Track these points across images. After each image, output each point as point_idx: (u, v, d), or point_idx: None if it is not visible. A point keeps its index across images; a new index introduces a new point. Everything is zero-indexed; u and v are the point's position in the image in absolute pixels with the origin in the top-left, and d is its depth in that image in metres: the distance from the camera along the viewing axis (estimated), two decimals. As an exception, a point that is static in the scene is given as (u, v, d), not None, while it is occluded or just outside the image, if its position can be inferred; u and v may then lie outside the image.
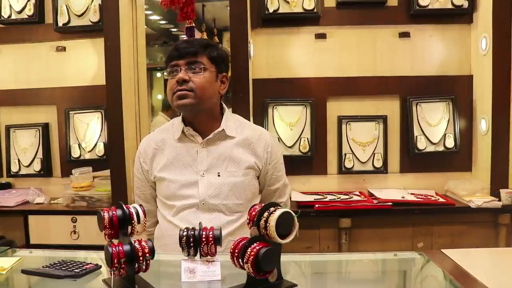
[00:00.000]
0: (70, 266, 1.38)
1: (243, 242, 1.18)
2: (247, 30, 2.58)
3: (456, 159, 2.79)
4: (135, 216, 1.26)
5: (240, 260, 1.17)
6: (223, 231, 1.61)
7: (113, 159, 2.65)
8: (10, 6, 2.90)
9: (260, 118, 2.76)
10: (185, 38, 1.62)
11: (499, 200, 2.48)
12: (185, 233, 1.33)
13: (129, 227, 1.25)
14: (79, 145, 2.91)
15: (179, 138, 1.71)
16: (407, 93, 2.78)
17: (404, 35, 2.76)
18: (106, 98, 2.65)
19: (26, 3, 2.88)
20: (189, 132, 1.69)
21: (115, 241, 1.22)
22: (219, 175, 1.66)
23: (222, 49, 1.73)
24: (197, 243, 1.32)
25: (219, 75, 1.70)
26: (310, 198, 2.63)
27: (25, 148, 2.98)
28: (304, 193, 2.74)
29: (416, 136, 2.76)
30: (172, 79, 1.65)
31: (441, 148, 2.76)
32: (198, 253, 1.34)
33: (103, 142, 2.88)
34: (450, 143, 2.75)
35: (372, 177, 2.81)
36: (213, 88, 1.67)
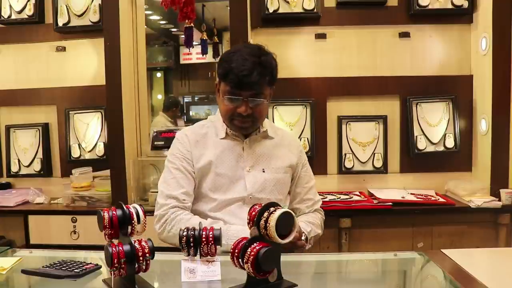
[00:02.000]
0: (70, 266, 1.38)
1: (243, 242, 1.18)
2: (247, 30, 2.58)
3: (456, 159, 2.79)
4: (135, 216, 1.25)
5: (240, 260, 1.17)
6: None
7: (113, 159, 2.65)
8: (10, 6, 2.91)
9: (260, 118, 2.75)
10: (243, 68, 1.57)
11: (499, 200, 2.48)
12: (185, 233, 1.33)
13: (129, 227, 1.25)
14: (79, 145, 2.91)
15: (223, 136, 1.75)
16: (407, 93, 2.78)
17: (404, 35, 2.77)
18: (106, 98, 2.65)
19: (26, 3, 2.89)
20: (232, 132, 1.74)
21: (115, 241, 1.22)
22: (264, 171, 1.73)
23: (274, 61, 1.69)
24: (197, 243, 1.32)
25: (271, 90, 1.73)
26: (310, 198, 2.62)
27: (25, 148, 2.98)
28: (304, 193, 2.73)
29: (416, 136, 2.76)
30: (230, 105, 1.65)
31: (441, 148, 2.76)
32: (198, 253, 1.34)
33: (103, 142, 2.88)
34: (450, 143, 2.75)
35: (372, 177, 2.81)
36: (268, 107, 1.77)
